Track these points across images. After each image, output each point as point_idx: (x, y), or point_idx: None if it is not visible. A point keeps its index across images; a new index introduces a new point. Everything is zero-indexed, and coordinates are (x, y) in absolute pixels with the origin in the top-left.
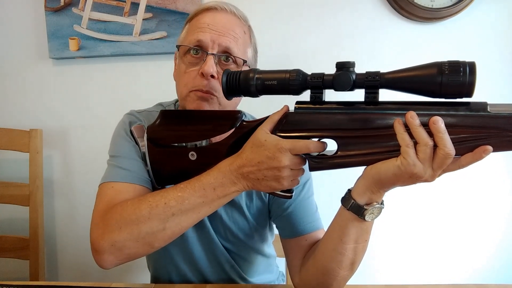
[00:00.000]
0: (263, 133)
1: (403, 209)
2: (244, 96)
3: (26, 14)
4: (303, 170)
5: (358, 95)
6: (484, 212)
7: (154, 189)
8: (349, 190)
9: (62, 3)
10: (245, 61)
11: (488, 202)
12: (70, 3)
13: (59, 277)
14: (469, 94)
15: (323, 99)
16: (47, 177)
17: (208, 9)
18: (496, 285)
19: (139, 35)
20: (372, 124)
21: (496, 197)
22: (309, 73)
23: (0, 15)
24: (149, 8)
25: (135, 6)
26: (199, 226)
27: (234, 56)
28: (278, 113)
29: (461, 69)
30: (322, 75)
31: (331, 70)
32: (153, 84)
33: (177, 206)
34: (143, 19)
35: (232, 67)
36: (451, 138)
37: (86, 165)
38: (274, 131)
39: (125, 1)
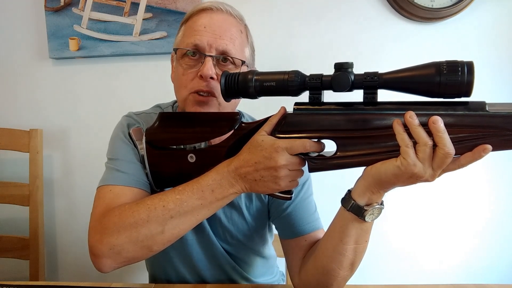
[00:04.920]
0: (260, 135)
1: (402, 209)
2: (243, 97)
3: (26, 14)
4: (302, 171)
5: (357, 95)
6: (483, 211)
7: (152, 192)
8: (349, 191)
9: (62, 3)
10: (243, 62)
11: (487, 202)
12: (70, 3)
13: (59, 277)
14: (468, 94)
15: (321, 100)
16: (47, 177)
17: (203, 9)
18: (496, 285)
19: (139, 35)
20: (371, 124)
21: (494, 198)
22: (308, 74)
23: (0, 15)
24: (149, 8)
25: (135, 6)
26: (198, 229)
27: (232, 57)
28: (276, 116)
29: (459, 68)
30: (320, 76)
31: (329, 71)
32: (153, 84)
33: (176, 208)
34: (143, 19)
35: (230, 68)
36: (450, 138)
37: (86, 165)
38: (273, 132)
39: (125, 1)
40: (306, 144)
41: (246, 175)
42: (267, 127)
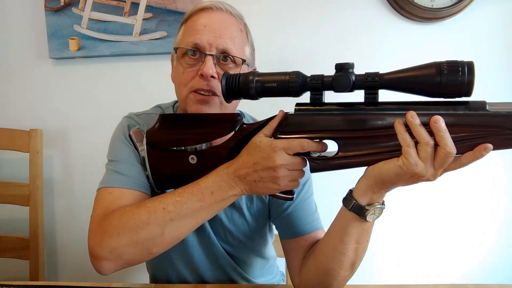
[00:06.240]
0: (259, 137)
1: (403, 209)
2: (244, 98)
3: (26, 14)
4: (303, 172)
5: (358, 96)
6: (484, 212)
7: (153, 193)
8: (351, 191)
9: (62, 3)
10: (244, 60)
11: (487, 202)
12: (70, 3)
13: (59, 277)
14: (468, 94)
15: (323, 101)
16: (47, 177)
17: (203, 9)
18: (496, 285)
19: (139, 35)
20: (372, 124)
21: (494, 198)
22: (309, 74)
23: (0, 15)
24: (149, 8)
25: (135, 6)
26: (199, 230)
27: (232, 56)
28: (275, 120)
29: (460, 68)
30: (321, 77)
31: (330, 71)
32: (153, 84)
33: (176, 211)
34: (143, 19)
35: (231, 67)
36: (451, 137)
37: (86, 165)
38: (274, 133)
39: (125, 1)
40: (303, 144)
41: (245, 176)
42: (266, 130)
